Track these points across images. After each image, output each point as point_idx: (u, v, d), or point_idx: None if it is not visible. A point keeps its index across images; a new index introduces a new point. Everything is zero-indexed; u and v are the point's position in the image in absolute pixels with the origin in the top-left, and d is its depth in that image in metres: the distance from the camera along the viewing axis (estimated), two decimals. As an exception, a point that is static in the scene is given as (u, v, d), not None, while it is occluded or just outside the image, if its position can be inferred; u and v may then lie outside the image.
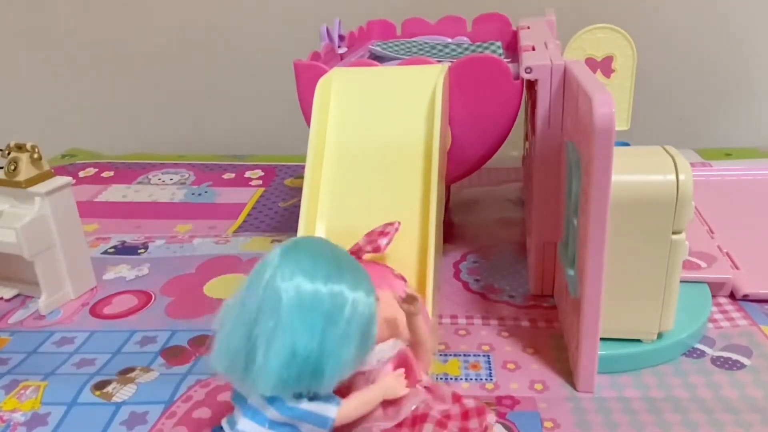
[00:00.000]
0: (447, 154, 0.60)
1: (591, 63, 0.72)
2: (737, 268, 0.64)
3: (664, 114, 1.11)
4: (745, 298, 0.61)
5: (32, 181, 0.66)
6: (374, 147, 0.53)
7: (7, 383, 0.54)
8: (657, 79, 1.05)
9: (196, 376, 0.55)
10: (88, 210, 0.70)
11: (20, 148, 0.65)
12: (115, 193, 0.97)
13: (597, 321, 0.47)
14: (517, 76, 0.60)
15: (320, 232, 0.51)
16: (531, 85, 0.61)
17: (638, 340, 0.53)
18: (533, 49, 0.62)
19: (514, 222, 0.82)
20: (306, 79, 0.62)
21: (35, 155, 0.67)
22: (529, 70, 0.56)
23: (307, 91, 0.56)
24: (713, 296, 0.61)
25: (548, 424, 0.48)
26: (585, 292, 0.47)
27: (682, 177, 0.47)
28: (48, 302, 0.65)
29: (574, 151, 0.50)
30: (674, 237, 0.49)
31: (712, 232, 0.71)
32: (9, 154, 0.65)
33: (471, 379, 0.53)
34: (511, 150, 0.95)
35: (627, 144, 0.74)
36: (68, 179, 0.68)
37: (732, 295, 0.62)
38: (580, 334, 0.48)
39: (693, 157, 0.95)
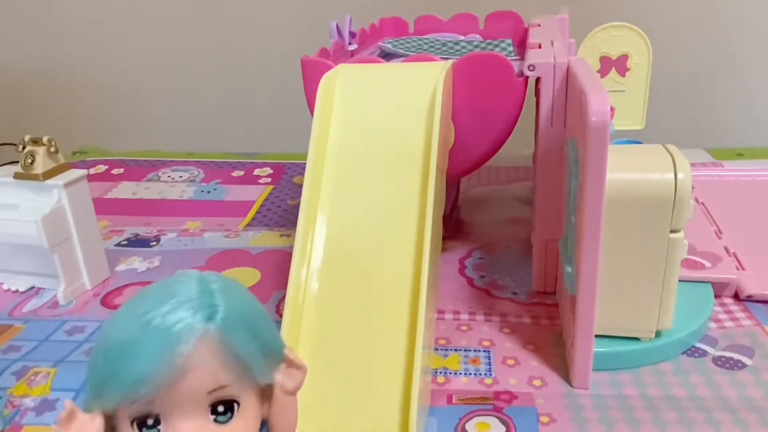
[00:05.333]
0: (450, 150, 0.60)
1: (606, 61, 0.72)
2: (743, 268, 0.64)
3: (676, 114, 1.10)
4: (750, 298, 0.61)
5: (49, 174, 0.68)
6: (376, 143, 0.54)
7: (19, 369, 0.56)
8: (669, 78, 1.05)
9: (201, 365, 0.56)
10: (98, 207, 0.71)
11: (36, 142, 0.67)
12: (124, 190, 0.98)
13: (592, 318, 0.48)
14: (521, 74, 0.60)
15: (321, 225, 0.52)
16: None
17: (637, 338, 0.53)
18: (539, 47, 0.63)
19: (522, 220, 0.82)
20: (312, 75, 0.62)
21: (52, 149, 0.68)
22: (532, 67, 0.56)
23: (312, 87, 0.57)
24: (718, 296, 0.61)
25: (544, 419, 0.48)
26: (580, 288, 0.47)
27: (680, 175, 0.47)
28: (67, 292, 0.67)
29: (573, 149, 0.50)
30: (672, 236, 0.49)
31: (720, 233, 0.71)
32: (24, 148, 0.67)
33: (470, 373, 0.54)
34: (523, 148, 0.95)
35: (639, 143, 0.74)
36: (83, 172, 0.70)
37: (737, 296, 0.62)
38: (575, 331, 0.49)
39: (705, 157, 0.94)
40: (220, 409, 0.29)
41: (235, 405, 0.30)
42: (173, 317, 0.28)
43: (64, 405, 0.29)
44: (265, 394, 0.32)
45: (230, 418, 0.30)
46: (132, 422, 0.29)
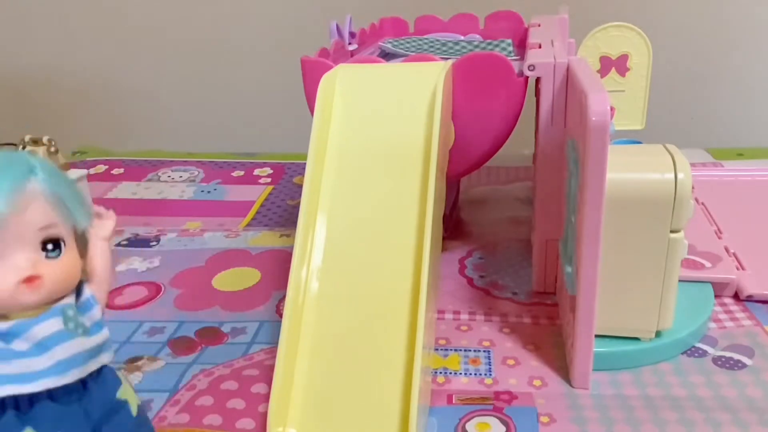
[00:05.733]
0: (450, 150, 0.60)
1: (606, 61, 0.72)
2: (743, 268, 0.64)
3: (676, 114, 1.10)
4: (750, 298, 0.61)
5: (49, 174, 0.67)
6: (376, 143, 0.54)
7: (19, 369, 0.56)
8: (669, 78, 1.05)
9: (201, 365, 0.56)
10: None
11: (36, 142, 0.67)
12: (124, 190, 0.98)
13: (592, 318, 0.48)
14: (521, 74, 0.60)
15: (321, 225, 0.52)
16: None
17: (637, 338, 0.53)
18: (539, 47, 0.63)
19: (522, 220, 0.82)
20: (312, 75, 0.62)
21: (52, 149, 0.68)
22: (532, 67, 0.56)
23: (313, 87, 0.57)
24: (718, 296, 0.61)
25: (544, 419, 0.48)
26: (580, 288, 0.47)
27: (680, 176, 0.47)
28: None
29: (573, 149, 0.50)
30: (672, 236, 0.49)
31: (720, 233, 0.71)
32: (24, 148, 0.67)
33: (470, 374, 0.54)
34: (523, 148, 0.95)
35: (639, 143, 0.74)
36: (83, 172, 0.70)
37: (737, 296, 0.62)
38: (575, 331, 0.49)
39: (705, 157, 0.94)
40: (50, 246, 0.34)
41: (62, 243, 0.34)
42: (2, 169, 0.32)
43: None
44: (81, 248, 0.37)
45: (59, 254, 0.34)
46: None
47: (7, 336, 0.33)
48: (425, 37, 0.86)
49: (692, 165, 0.49)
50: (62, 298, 0.35)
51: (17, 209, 0.32)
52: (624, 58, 0.71)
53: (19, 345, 0.33)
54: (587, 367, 0.50)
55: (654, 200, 0.48)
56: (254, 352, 0.58)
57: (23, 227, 0.33)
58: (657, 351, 0.53)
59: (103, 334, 0.36)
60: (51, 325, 0.34)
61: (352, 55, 0.79)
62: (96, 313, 0.37)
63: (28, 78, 1.29)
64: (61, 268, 0.34)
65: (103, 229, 0.39)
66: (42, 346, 0.33)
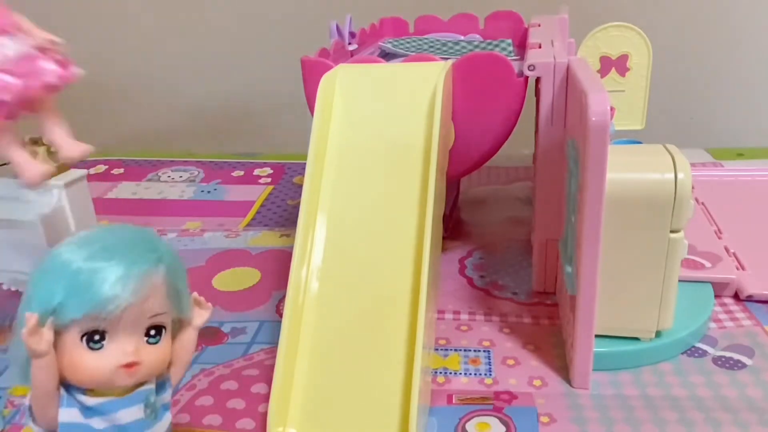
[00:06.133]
0: (450, 150, 0.60)
1: (606, 61, 0.72)
2: (743, 268, 0.64)
3: (676, 114, 1.10)
4: (750, 298, 0.61)
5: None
6: (376, 143, 0.54)
7: (19, 369, 0.56)
8: (669, 78, 1.05)
9: (201, 365, 0.56)
10: (98, 207, 0.71)
11: (36, 142, 0.67)
12: (124, 190, 0.98)
13: (592, 318, 0.48)
14: (521, 74, 0.60)
15: (321, 225, 0.52)
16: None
17: (637, 338, 0.53)
18: (539, 47, 0.63)
19: (522, 220, 0.82)
20: (312, 75, 0.62)
21: (52, 149, 0.68)
22: (532, 67, 0.56)
23: (313, 87, 0.57)
24: (718, 296, 0.61)
25: (544, 419, 0.48)
26: (580, 288, 0.47)
27: (680, 176, 0.47)
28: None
29: (573, 149, 0.50)
30: (672, 236, 0.49)
31: (720, 233, 0.71)
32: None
33: (470, 373, 0.54)
34: (523, 148, 0.95)
35: (639, 143, 0.74)
36: (83, 171, 0.70)
37: (737, 296, 0.62)
38: (575, 331, 0.49)
39: (705, 157, 0.94)
40: (153, 332, 0.36)
41: (163, 330, 0.36)
42: (132, 255, 0.34)
43: (26, 317, 0.33)
44: (173, 333, 0.38)
45: (159, 341, 0.36)
46: (82, 336, 0.34)
47: (89, 411, 0.35)
48: (425, 37, 0.86)
49: (692, 165, 0.49)
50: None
51: (140, 299, 0.34)
52: (624, 58, 0.71)
53: (97, 423, 0.35)
54: (587, 367, 0.50)
55: (654, 200, 0.48)
56: (254, 352, 0.58)
57: (139, 315, 0.34)
58: (657, 351, 0.53)
59: (168, 418, 0.38)
60: (135, 412, 0.36)
61: (352, 55, 0.79)
62: (167, 396, 0.38)
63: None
64: (158, 354, 0.36)
65: (200, 318, 0.40)
66: (122, 430, 0.35)
